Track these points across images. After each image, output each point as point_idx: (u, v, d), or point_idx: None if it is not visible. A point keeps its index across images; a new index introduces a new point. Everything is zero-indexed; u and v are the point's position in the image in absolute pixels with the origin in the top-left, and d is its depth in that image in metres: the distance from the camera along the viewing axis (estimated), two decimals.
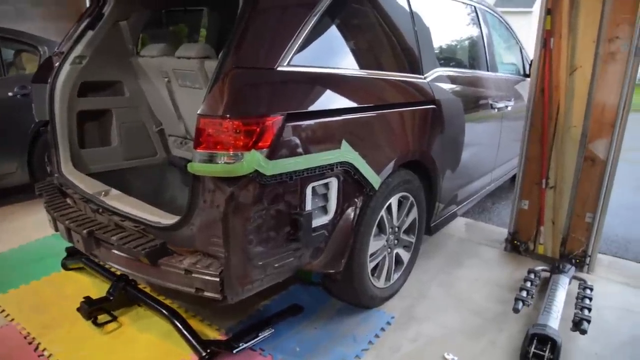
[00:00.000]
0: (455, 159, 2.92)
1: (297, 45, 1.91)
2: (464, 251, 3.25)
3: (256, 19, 1.85)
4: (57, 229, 2.39)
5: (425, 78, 2.59)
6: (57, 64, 2.71)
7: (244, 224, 1.80)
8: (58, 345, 2.27)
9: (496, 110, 3.31)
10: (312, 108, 1.92)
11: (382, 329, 2.42)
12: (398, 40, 2.45)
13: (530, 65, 3.85)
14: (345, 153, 2.02)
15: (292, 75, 1.89)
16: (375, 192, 2.23)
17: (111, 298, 2.46)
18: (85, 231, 2.10)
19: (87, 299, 2.45)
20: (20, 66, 3.91)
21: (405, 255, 2.70)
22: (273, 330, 2.32)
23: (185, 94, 2.71)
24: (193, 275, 1.86)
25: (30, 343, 2.30)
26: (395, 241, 2.59)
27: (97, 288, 2.73)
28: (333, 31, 2.12)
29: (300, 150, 1.85)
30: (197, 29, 4.07)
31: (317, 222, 2.02)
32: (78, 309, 2.46)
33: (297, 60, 1.91)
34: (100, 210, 2.27)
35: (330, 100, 2.01)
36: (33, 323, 2.43)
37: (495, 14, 3.64)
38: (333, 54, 2.12)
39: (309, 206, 1.96)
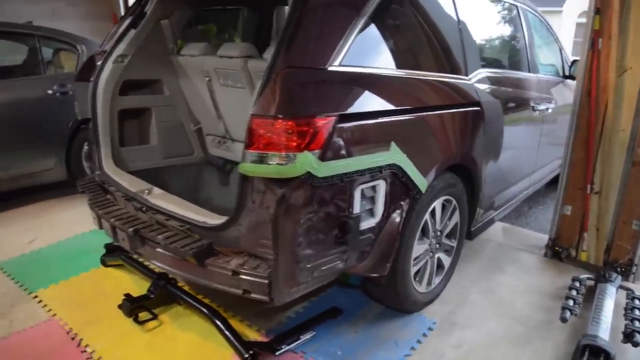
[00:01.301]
0: (497, 162, 2.86)
1: (347, 45, 1.88)
2: (503, 256, 3.18)
3: (307, 17, 1.83)
4: (101, 227, 2.41)
5: (469, 79, 2.53)
6: (99, 63, 2.74)
7: (294, 226, 1.77)
8: (100, 342, 2.29)
9: (537, 112, 3.23)
10: (362, 109, 1.89)
11: (424, 335, 2.38)
12: (444, 41, 2.39)
13: (571, 66, 3.78)
14: (394, 155, 1.99)
15: (343, 76, 1.86)
16: (422, 196, 2.19)
17: (152, 296, 2.46)
18: (131, 229, 2.11)
19: (128, 296, 2.46)
20: (59, 65, 3.97)
21: (446, 260, 2.65)
22: (314, 333, 2.30)
23: (226, 93, 2.70)
24: (240, 276, 1.85)
25: (73, 338, 2.32)
26: (437, 245, 2.54)
27: (136, 285, 2.74)
28: (382, 31, 2.08)
29: (350, 152, 1.82)
30: (227, 28, 4.09)
31: (364, 225, 1.99)
32: (119, 306, 2.48)
33: (347, 61, 1.88)
34: (144, 208, 2.28)
35: (380, 101, 1.98)
36: (75, 319, 2.46)
37: (536, 14, 3.55)
38: (382, 54, 2.08)
39: (357, 209, 1.93)
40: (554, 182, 4.14)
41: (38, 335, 2.36)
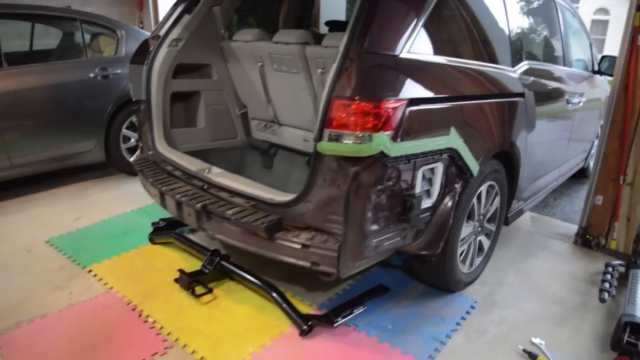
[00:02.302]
0: (534, 151, 2.96)
1: (415, 33, 1.98)
2: (534, 243, 3.30)
3: (381, 6, 1.91)
4: (163, 203, 2.50)
5: (515, 71, 2.64)
6: (152, 47, 2.83)
7: (364, 202, 1.88)
8: (160, 313, 2.39)
9: (570, 105, 3.34)
10: (428, 95, 1.99)
11: (467, 312, 2.49)
12: (495, 34, 2.50)
13: (600, 62, 3.88)
14: (453, 139, 2.09)
15: (412, 62, 1.96)
16: (472, 180, 2.29)
17: (206, 271, 2.57)
18: (199, 205, 2.21)
19: (183, 271, 2.56)
20: (97, 49, 4.04)
21: (486, 243, 2.77)
22: (365, 307, 2.42)
23: (278, 79, 2.79)
24: (310, 249, 1.95)
25: (133, 310, 2.42)
26: (480, 228, 2.66)
27: (185, 261, 2.85)
28: (441, 23, 2.17)
29: (417, 134, 1.93)
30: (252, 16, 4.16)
31: (423, 204, 2.09)
32: (176, 280, 2.59)
33: (414, 48, 1.98)
34: (205, 186, 2.38)
35: (443, 88, 2.08)
36: (132, 291, 2.56)
37: (571, 9, 3.65)
38: (442, 44, 2.17)
39: (418, 189, 2.04)
40: (574, 175, 4.28)
41: (98, 306, 2.46)
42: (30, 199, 3.73)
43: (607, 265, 2.79)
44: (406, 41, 1.94)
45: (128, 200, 3.72)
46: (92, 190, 3.95)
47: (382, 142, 1.79)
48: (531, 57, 2.95)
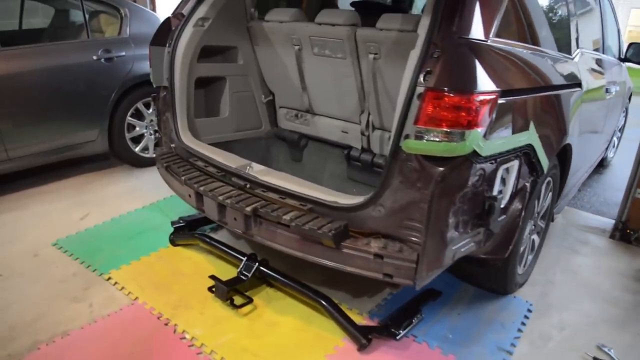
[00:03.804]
0: (581, 143, 2.82)
1: (499, 16, 1.77)
2: (572, 238, 3.19)
3: None
4: (199, 206, 2.22)
5: (573, 59, 2.47)
6: (175, 27, 2.52)
7: (448, 207, 1.68)
8: (197, 328, 2.15)
9: (608, 94, 3.21)
10: (515, 86, 1.79)
11: (526, 317, 2.35)
12: (560, 19, 2.32)
13: (627, 49, 3.77)
14: (532, 135, 1.91)
15: (500, 49, 1.76)
16: (542, 177, 2.13)
17: (244, 278, 2.33)
18: (249, 208, 1.95)
19: (219, 279, 2.30)
20: (97, 29, 3.65)
21: (537, 242, 2.62)
22: (423, 316, 2.24)
23: (318, 64, 2.53)
24: (384, 260, 1.74)
25: (166, 324, 2.17)
26: (533, 227, 2.50)
27: (213, 265, 2.61)
28: (520, 6, 1.96)
29: (505, 130, 1.74)
30: None
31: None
32: (210, 289, 2.34)
33: (500, 34, 1.78)
34: (248, 185, 2.12)
35: (524, 78, 1.90)
36: (160, 302, 2.30)
37: None
38: (521, 29, 1.97)
39: (496, 190, 1.86)
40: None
41: (126, 320, 2.19)
42: (29, 194, 3.38)
43: None
44: (492, 25, 1.73)
45: (137, 196, 3.41)
46: (96, 184, 3.61)
47: (476, 139, 1.59)
48: (582, 44, 2.79)
